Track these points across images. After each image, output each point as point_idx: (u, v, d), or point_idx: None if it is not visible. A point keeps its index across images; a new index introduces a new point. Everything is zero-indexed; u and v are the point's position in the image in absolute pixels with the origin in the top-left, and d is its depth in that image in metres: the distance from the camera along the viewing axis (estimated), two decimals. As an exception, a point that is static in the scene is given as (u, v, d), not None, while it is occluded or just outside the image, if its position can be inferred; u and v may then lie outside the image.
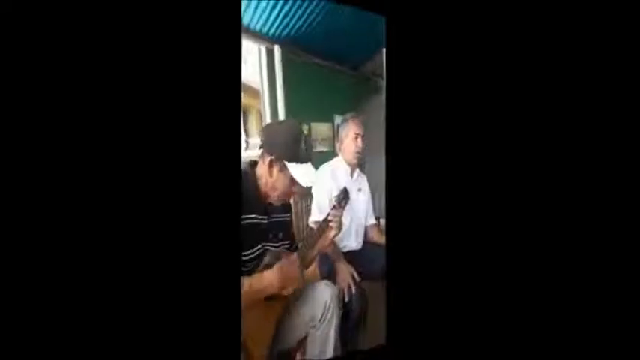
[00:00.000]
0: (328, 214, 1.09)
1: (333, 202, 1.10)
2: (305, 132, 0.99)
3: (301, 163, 0.97)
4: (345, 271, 1.30)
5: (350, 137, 1.48)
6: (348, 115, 1.53)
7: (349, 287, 1.25)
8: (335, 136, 3.00)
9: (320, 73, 3.14)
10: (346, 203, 1.10)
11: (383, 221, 1.87)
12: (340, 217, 1.09)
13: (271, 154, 0.97)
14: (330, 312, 1.03)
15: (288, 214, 1.17)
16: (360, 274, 1.47)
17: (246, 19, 2.33)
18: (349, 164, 1.53)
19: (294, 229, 1.30)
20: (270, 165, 0.98)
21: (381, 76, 3.52)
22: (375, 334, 1.43)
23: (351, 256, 1.45)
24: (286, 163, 0.96)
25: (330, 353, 1.04)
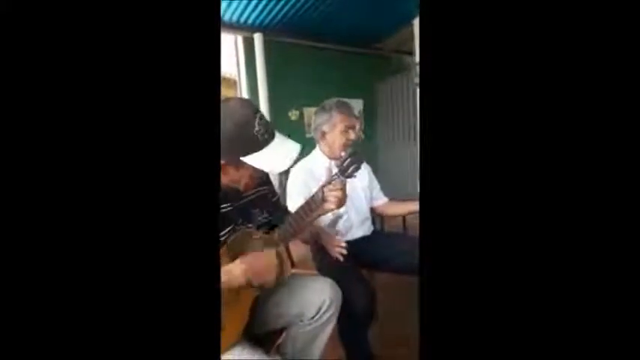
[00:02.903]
0: (323, 186, 0.86)
1: (334, 172, 0.87)
2: (257, 113, 0.80)
3: (261, 149, 0.80)
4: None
5: (337, 130, 1.31)
6: (331, 103, 1.32)
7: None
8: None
9: (315, 56, 3.02)
10: (357, 168, 0.87)
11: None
12: (342, 188, 0.85)
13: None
14: (329, 313, 0.91)
15: (265, 187, 1.01)
16: (369, 265, 1.32)
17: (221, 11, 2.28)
18: (332, 157, 1.34)
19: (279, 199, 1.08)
20: (224, 169, 0.82)
21: (406, 52, 3.25)
22: (392, 335, 1.33)
23: (356, 246, 1.29)
24: (242, 159, 0.79)
25: (314, 355, 0.94)
